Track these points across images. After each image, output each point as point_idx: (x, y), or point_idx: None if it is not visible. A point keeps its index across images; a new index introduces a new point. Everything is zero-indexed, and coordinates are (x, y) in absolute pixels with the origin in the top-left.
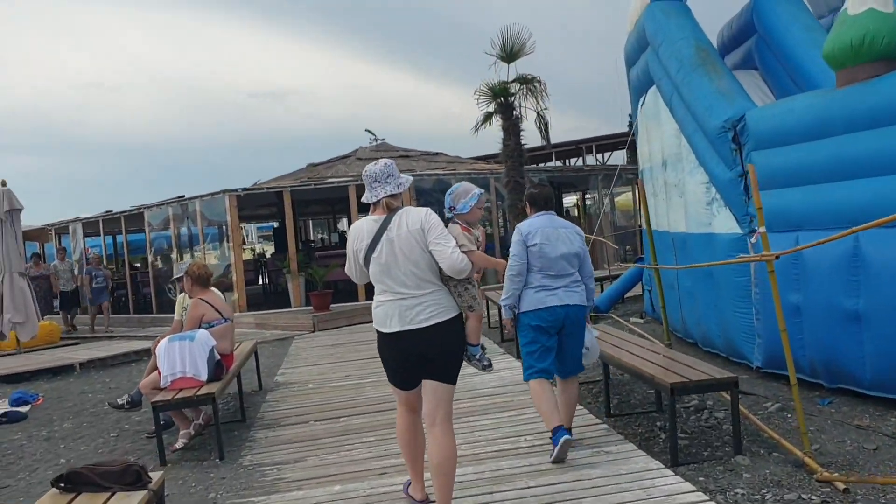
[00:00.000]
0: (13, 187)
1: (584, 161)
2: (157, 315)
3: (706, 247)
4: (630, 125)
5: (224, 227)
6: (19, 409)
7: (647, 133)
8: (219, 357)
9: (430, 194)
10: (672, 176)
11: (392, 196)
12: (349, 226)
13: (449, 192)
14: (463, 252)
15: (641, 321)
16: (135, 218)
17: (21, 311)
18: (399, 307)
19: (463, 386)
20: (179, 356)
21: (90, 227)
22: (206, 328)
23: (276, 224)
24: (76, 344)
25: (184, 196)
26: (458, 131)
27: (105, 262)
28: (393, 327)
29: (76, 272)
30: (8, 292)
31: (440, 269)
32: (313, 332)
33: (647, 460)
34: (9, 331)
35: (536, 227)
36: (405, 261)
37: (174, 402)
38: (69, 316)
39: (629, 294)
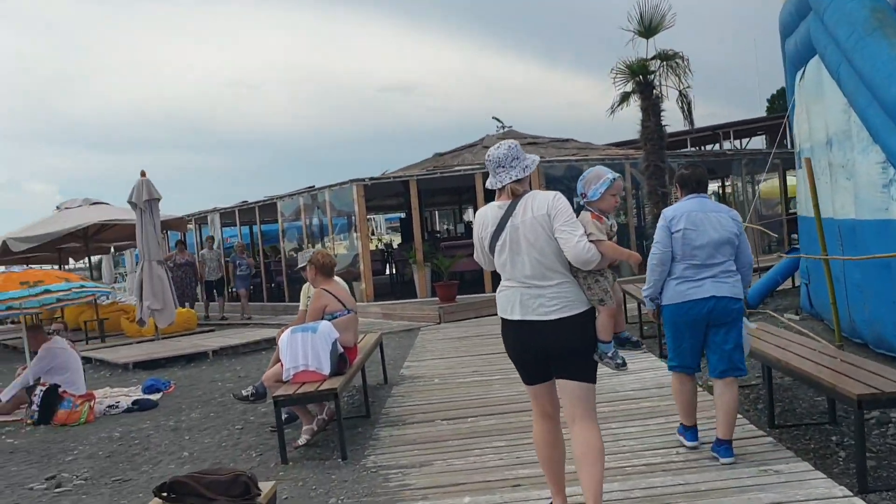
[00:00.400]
0: (166, 182)
1: (720, 147)
2: (289, 303)
3: (881, 235)
4: (769, 109)
5: (352, 216)
6: (150, 397)
7: (806, 109)
8: (342, 350)
9: (560, 182)
10: (838, 156)
11: (517, 181)
12: (475, 216)
13: (580, 178)
14: (591, 241)
15: (797, 318)
16: (268, 208)
17: (159, 298)
18: (521, 295)
19: (600, 387)
20: (302, 349)
21: (227, 217)
22: (329, 319)
23: (402, 215)
24: (211, 331)
25: (314, 186)
26: (588, 119)
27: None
28: (514, 315)
29: (222, 260)
30: (147, 280)
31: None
32: (439, 323)
33: (828, 484)
34: (148, 317)
35: (682, 212)
36: (529, 248)
37: (296, 397)
38: (221, 304)
39: (779, 287)
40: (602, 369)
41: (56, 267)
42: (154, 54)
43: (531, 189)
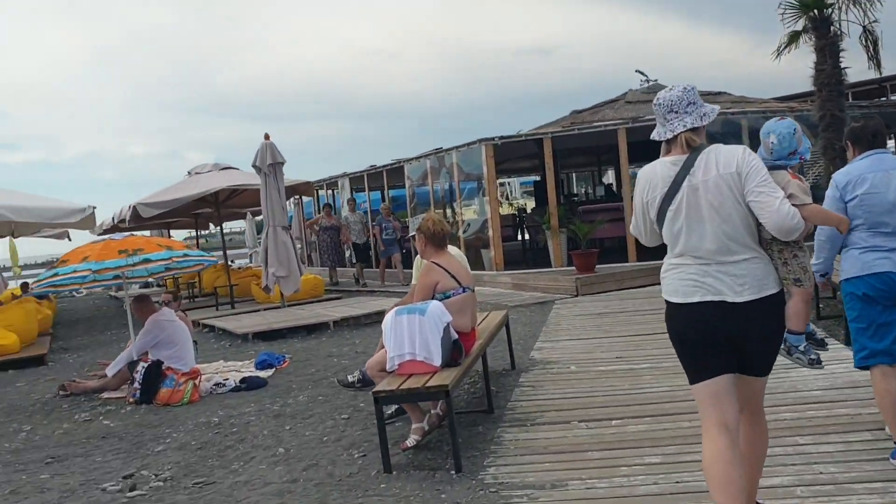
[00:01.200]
0: (306, 150)
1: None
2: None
3: None
4: None
5: (482, 179)
6: (261, 374)
7: None
8: (456, 336)
9: (714, 138)
10: None
11: (693, 130)
12: (616, 178)
13: (781, 131)
14: (794, 206)
15: None
16: (396, 172)
17: (284, 264)
18: (699, 273)
19: (777, 385)
20: (408, 334)
21: (356, 182)
22: (441, 299)
23: (537, 178)
24: (338, 298)
25: (441, 148)
26: (736, 78)
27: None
28: (692, 297)
29: (365, 223)
30: (272, 246)
31: (758, 229)
32: (576, 296)
33: None
34: (273, 284)
35: (856, 174)
36: (713, 215)
37: (399, 394)
38: (358, 269)
39: None
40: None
41: (193, 233)
42: (300, 25)
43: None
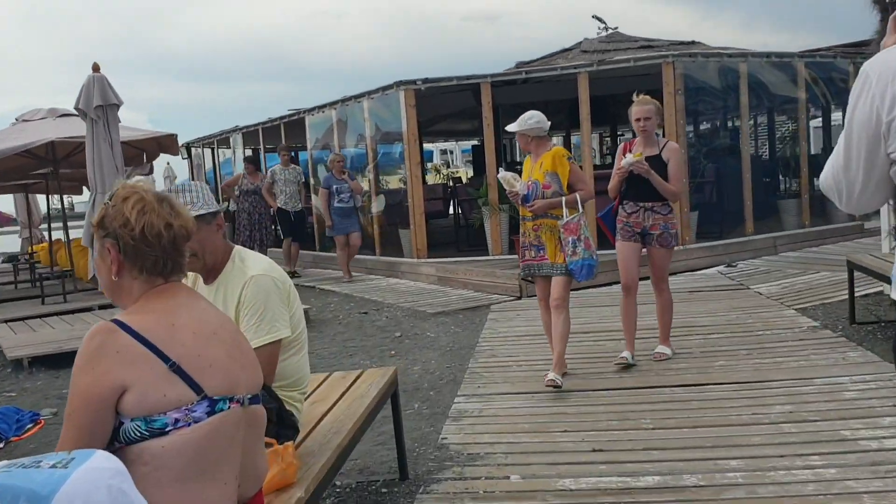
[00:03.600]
0: (244, 111)
1: None
2: (318, 253)
3: None
4: None
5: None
6: None
7: None
8: None
9: (708, 92)
10: None
11: None
12: (566, 143)
13: None
14: None
15: None
16: (297, 128)
17: None
18: None
19: None
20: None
21: (250, 138)
22: (131, 440)
23: (476, 142)
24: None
25: (349, 97)
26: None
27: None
28: None
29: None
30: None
31: None
32: (519, 298)
33: None
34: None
35: None
36: None
37: None
38: (293, 252)
39: None
40: None
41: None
42: None
43: None
